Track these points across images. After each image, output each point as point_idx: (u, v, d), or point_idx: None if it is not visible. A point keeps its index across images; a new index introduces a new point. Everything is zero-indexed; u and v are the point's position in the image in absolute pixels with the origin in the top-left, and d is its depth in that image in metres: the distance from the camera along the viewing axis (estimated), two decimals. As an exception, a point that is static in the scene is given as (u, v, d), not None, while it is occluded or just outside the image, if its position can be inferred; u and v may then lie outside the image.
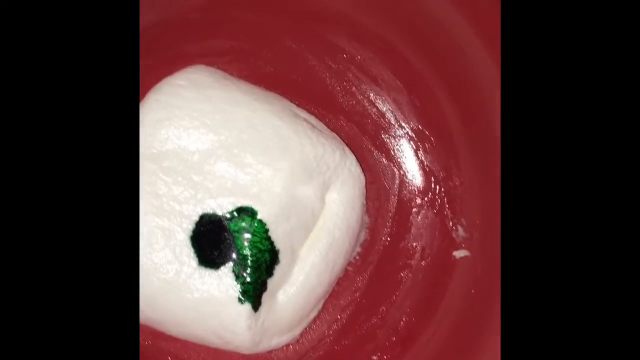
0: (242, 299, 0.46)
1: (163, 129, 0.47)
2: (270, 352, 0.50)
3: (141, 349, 0.49)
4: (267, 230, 0.47)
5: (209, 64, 0.51)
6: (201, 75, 0.49)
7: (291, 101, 0.52)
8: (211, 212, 0.46)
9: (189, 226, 0.46)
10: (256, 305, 0.46)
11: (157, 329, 0.48)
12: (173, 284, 0.45)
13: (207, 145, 0.47)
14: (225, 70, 0.52)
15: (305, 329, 0.51)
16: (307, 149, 0.48)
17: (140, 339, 0.49)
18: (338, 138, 0.52)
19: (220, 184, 0.47)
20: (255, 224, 0.46)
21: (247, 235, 0.46)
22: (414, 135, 0.54)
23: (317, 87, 0.54)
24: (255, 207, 0.47)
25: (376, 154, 0.54)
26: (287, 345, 0.50)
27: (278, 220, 0.47)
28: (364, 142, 0.54)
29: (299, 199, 0.48)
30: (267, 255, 0.47)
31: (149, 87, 0.49)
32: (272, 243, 0.47)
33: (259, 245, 0.46)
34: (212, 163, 0.47)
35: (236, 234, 0.46)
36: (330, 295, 0.52)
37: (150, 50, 0.51)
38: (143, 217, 0.45)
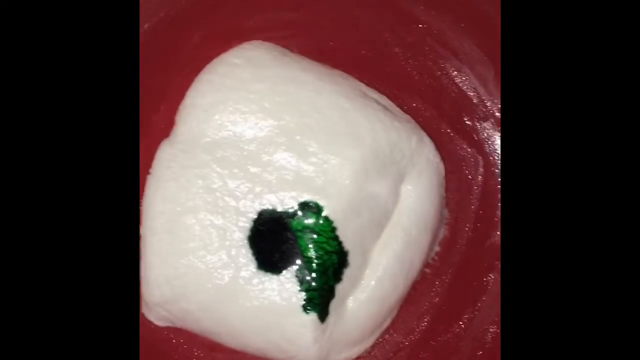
0: (307, 307, 0.40)
1: (217, 114, 0.41)
2: (338, 365, 0.44)
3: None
4: (334, 229, 0.41)
5: (267, 39, 0.45)
6: (259, 52, 0.43)
7: (359, 80, 0.45)
8: (271, 208, 0.41)
9: (247, 224, 0.40)
10: (323, 314, 0.40)
11: (212, 340, 0.43)
12: (229, 291, 0.40)
13: (265, 132, 0.41)
14: (284, 46, 0.46)
15: (378, 339, 0.45)
16: (380, 134, 0.42)
17: (192, 350, 0.44)
18: (413, 122, 0.45)
19: (281, 176, 0.41)
20: (321, 222, 0.41)
21: (312, 235, 0.40)
22: (500, 117, 0.46)
23: (389, 63, 0.47)
24: (321, 202, 0.41)
25: (456, 139, 0.47)
26: (358, 359, 0.44)
27: (347, 217, 0.41)
28: (442, 125, 0.47)
29: (371, 192, 0.42)
30: (334, 258, 0.41)
31: (200, 67, 0.44)
32: (340, 243, 0.41)
33: (325, 246, 0.40)
34: (271, 152, 0.41)
35: (299, 234, 0.40)
36: (406, 301, 0.45)
37: (202, 25, 0.45)
38: (195, 215, 0.40)
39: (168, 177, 0.41)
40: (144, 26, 0.45)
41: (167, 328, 0.44)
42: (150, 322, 0.43)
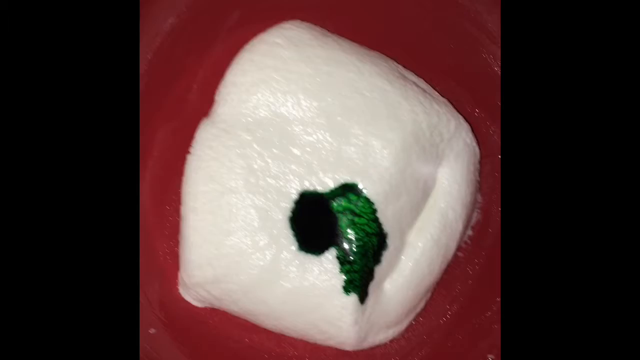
0: (348, 289, 0.40)
1: (258, 93, 0.41)
2: (372, 348, 0.44)
3: (229, 342, 0.44)
4: (374, 211, 0.41)
5: (304, 18, 0.45)
6: (298, 32, 0.43)
7: (396, 62, 0.45)
8: (312, 189, 0.40)
9: (288, 205, 0.40)
10: (363, 296, 0.40)
11: (250, 321, 0.42)
12: (270, 272, 0.40)
13: (306, 112, 0.41)
14: (321, 27, 0.45)
15: (411, 322, 0.45)
16: (420, 117, 0.42)
17: (228, 331, 0.44)
18: (450, 105, 0.45)
19: (322, 158, 0.41)
20: (362, 204, 0.40)
21: (353, 217, 0.40)
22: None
23: (424, 45, 0.46)
24: (362, 184, 0.40)
25: (490, 123, 0.47)
26: (392, 341, 0.44)
27: (387, 199, 0.41)
28: (476, 110, 0.47)
29: (411, 174, 0.42)
30: (374, 240, 0.41)
31: (237, 46, 0.43)
32: (380, 225, 0.41)
33: (365, 228, 0.40)
34: (312, 133, 0.41)
35: (340, 215, 0.40)
36: (439, 284, 0.45)
37: (238, 3, 0.45)
38: (237, 195, 0.40)
39: (210, 157, 0.40)
40: (181, 6, 0.44)
41: (204, 309, 0.43)
42: (186, 303, 0.43)
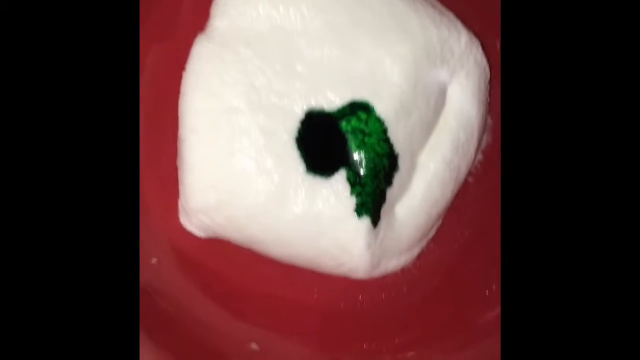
0: (360, 211, 0.38)
1: (258, 5, 0.38)
2: (383, 277, 0.42)
3: (228, 285, 0.42)
4: (385, 130, 0.38)
5: None
6: (301, -61, 0.40)
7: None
8: (319, 108, 0.38)
9: (294, 125, 0.38)
10: (375, 219, 0.38)
11: (255, 250, 0.40)
12: (277, 195, 0.37)
13: (311, 26, 0.38)
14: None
15: (423, 249, 0.43)
16: (431, 31, 0.39)
17: (231, 267, 0.42)
18: (459, 21, 0.42)
19: (329, 74, 0.38)
20: (372, 122, 0.38)
21: (363, 136, 0.38)
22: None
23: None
24: (372, 101, 0.38)
25: (498, 43, 0.45)
26: (403, 269, 0.43)
27: (398, 117, 0.39)
28: (485, 28, 0.45)
29: (421, 91, 0.39)
30: (385, 161, 0.38)
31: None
32: (391, 146, 0.39)
33: (376, 148, 0.38)
34: (317, 48, 0.38)
35: (350, 135, 0.38)
36: (450, 210, 0.44)
37: None
38: (238, 114, 0.37)
39: (208, 72, 0.38)
40: None
41: (207, 241, 0.41)
42: (188, 233, 0.40)
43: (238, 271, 0.42)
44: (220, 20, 0.39)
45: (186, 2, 0.43)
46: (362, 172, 0.38)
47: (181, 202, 0.40)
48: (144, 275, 0.38)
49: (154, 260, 0.40)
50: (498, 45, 0.45)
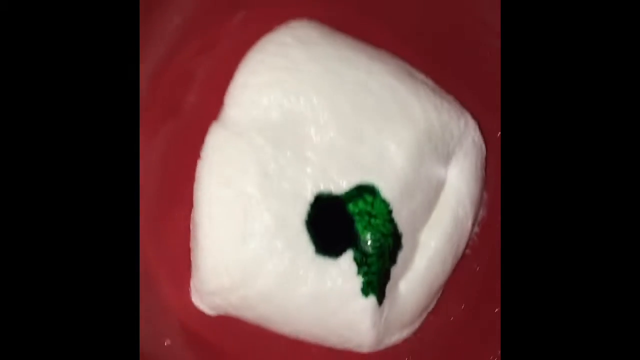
0: (367, 291, 0.39)
1: (271, 94, 0.40)
2: (385, 349, 0.44)
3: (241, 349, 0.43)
4: (390, 212, 0.40)
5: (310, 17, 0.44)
6: (307, 31, 0.42)
7: (403, 59, 0.45)
8: (327, 191, 0.40)
9: (304, 208, 0.39)
10: (381, 297, 0.40)
11: (264, 327, 0.41)
12: (288, 276, 0.39)
13: (319, 113, 0.40)
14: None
15: (423, 321, 0.45)
16: (432, 115, 0.41)
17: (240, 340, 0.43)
18: (458, 103, 0.45)
19: (337, 159, 0.40)
20: (377, 204, 0.40)
21: (369, 218, 0.40)
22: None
23: (428, 43, 0.46)
24: (377, 184, 0.40)
25: (493, 121, 0.47)
26: (404, 341, 0.44)
27: (402, 199, 0.40)
28: (479, 107, 0.47)
29: (424, 173, 0.41)
30: (390, 240, 0.40)
31: (243, 45, 0.42)
32: (395, 226, 0.40)
33: (381, 228, 0.40)
34: (324, 134, 0.40)
35: (356, 217, 0.40)
36: (448, 282, 0.45)
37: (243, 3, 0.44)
38: (251, 200, 0.39)
39: (224, 161, 0.39)
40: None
41: (217, 319, 0.42)
42: (199, 312, 0.42)
43: (247, 348, 0.43)
44: (234, 109, 0.40)
45: (195, 89, 0.44)
46: (368, 252, 0.40)
47: (194, 283, 0.41)
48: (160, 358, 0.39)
49: (167, 342, 0.41)
50: (494, 123, 0.47)
